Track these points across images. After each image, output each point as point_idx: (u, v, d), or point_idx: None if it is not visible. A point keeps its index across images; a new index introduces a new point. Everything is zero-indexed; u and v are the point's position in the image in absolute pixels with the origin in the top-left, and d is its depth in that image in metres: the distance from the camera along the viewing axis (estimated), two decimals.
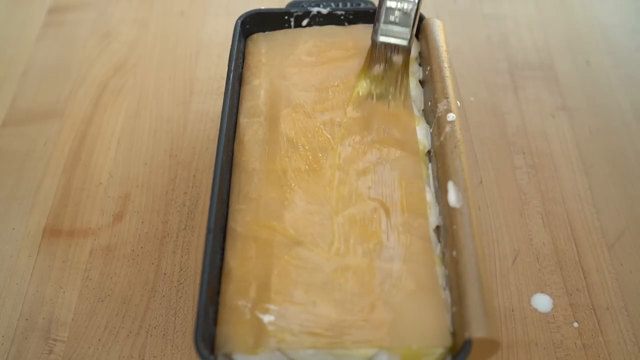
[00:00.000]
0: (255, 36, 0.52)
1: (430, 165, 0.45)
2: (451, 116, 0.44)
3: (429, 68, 0.48)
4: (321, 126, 0.45)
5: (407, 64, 0.47)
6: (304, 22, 0.53)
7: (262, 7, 0.52)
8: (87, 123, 0.59)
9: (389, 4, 0.45)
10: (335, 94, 0.47)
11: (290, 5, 0.53)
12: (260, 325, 0.36)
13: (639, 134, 0.58)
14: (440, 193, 0.42)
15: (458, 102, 0.45)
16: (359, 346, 0.35)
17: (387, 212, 0.41)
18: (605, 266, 0.49)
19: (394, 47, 0.46)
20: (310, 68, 0.49)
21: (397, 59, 0.46)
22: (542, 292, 0.48)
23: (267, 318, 0.36)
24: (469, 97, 0.60)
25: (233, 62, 0.48)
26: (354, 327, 0.36)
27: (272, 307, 0.37)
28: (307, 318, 0.36)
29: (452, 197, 0.40)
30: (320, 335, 0.36)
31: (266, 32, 0.52)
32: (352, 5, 0.53)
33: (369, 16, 0.52)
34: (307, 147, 0.44)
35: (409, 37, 0.45)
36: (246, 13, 0.52)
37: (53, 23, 0.69)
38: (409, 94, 0.46)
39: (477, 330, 0.34)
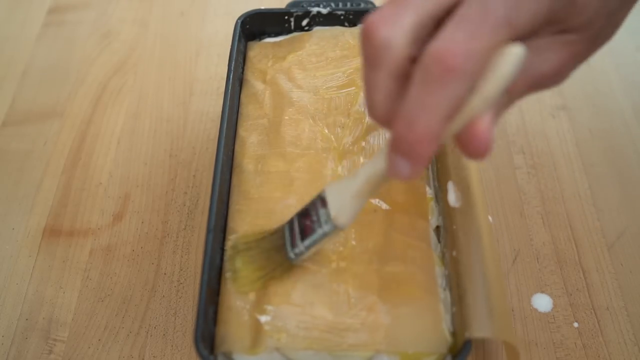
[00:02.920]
0: (258, 43, 0.52)
1: (430, 165, 0.45)
2: None
3: None
4: (324, 127, 0.45)
5: None
6: (304, 22, 0.53)
7: (262, 7, 0.52)
8: (87, 123, 0.59)
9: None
10: (338, 96, 0.47)
11: (290, 5, 0.53)
12: (257, 325, 0.36)
13: (639, 134, 0.58)
14: (441, 193, 0.42)
15: None
16: (355, 349, 0.35)
17: (387, 214, 0.41)
18: (605, 266, 0.49)
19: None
20: (314, 69, 0.49)
21: None
22: (542, 292, 0.48)
23: (264, 318, 0.36)
24: None
25: (233, 62, 0.48)
26: (351, 330, 0.36)
27: (269, 307, 0.36)
28: (303, 319, 0.36)
29: (452, 197, 0.40)
30: (316, 337, 0.35)
31: (270, 40, 0.53)
32: (352, 5, 0.53)
33: None
34: (309, 148, 0.44)
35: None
36: (246, 13, 0.52)
37: (53, 23, 0.69)
38: None
39: (478, 330, 0.34)
